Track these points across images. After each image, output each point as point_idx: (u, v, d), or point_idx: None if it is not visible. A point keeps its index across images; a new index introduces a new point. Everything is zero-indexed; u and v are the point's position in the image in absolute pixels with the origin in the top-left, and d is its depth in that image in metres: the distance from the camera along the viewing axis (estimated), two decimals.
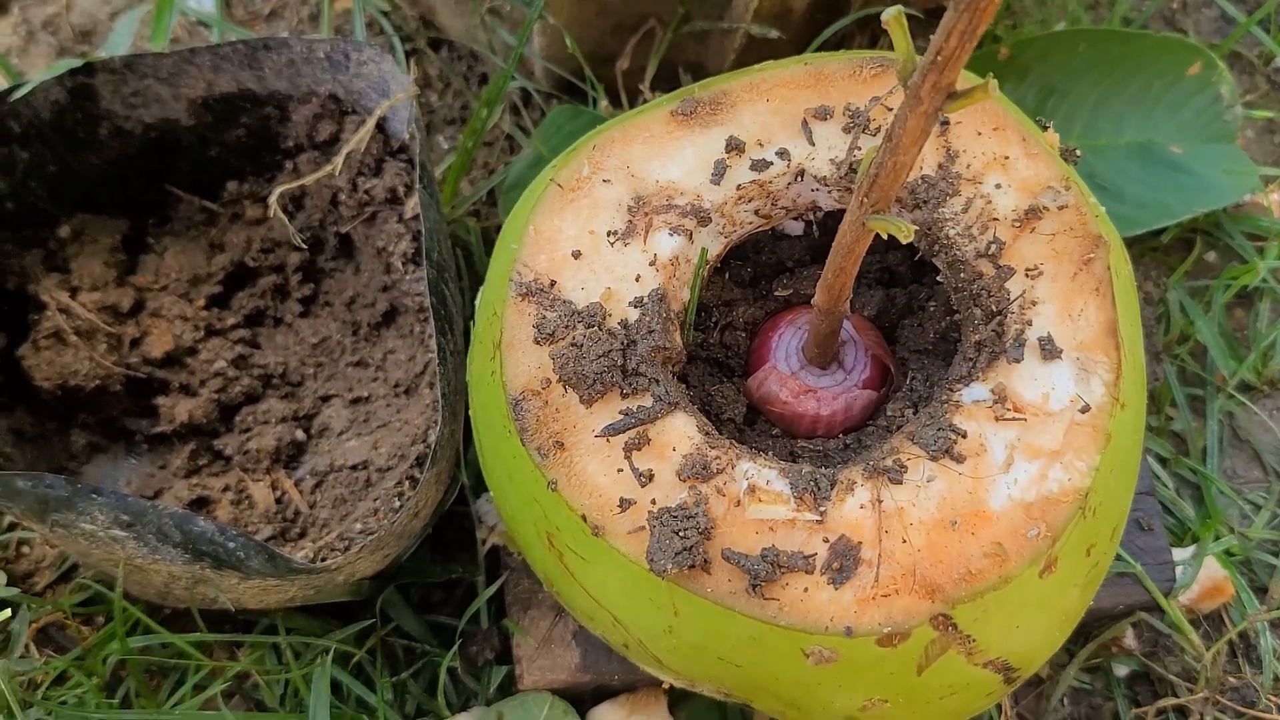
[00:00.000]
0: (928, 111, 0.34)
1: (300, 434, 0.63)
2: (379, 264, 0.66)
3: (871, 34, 0.76)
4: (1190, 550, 0.66)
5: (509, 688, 0.61)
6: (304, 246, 0.66)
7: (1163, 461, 0.70)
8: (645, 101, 0.67)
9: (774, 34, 0.67)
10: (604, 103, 0.73)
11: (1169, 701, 0.63)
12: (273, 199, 0.60)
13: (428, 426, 0.60)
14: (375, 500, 0.58)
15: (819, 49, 0.71)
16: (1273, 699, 0.64)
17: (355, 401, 0.65)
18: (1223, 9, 0.84)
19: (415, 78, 0.61)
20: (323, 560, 0.55)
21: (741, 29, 0.67)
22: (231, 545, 0.48)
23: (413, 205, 0.63)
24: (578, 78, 0.74)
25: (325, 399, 0.65)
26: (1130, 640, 0.66)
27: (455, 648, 0.60)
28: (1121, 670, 0.66)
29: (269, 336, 0.67)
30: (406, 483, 0.58)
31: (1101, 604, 0.61)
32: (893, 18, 0.33)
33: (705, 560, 0.42)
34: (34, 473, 0.47)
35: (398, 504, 0.57)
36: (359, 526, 0.57)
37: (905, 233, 0.37)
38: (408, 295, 0.65)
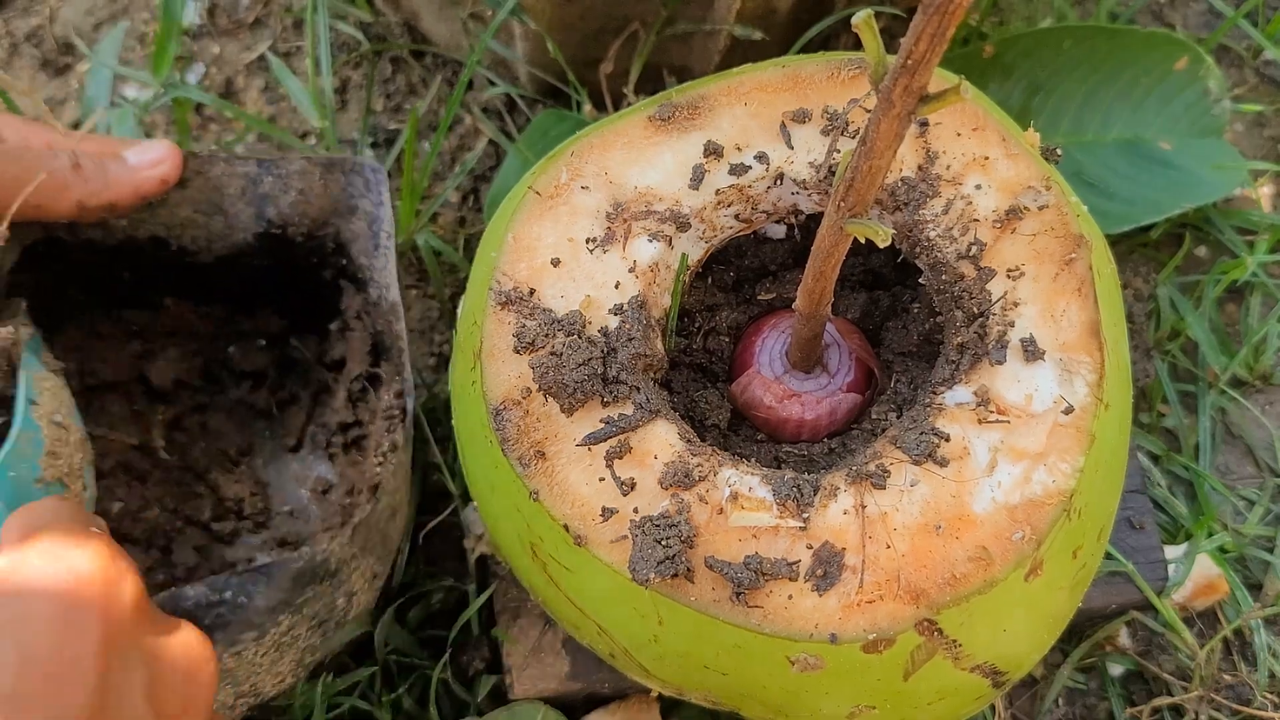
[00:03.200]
0: (900, 115, 0.34)
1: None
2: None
3: (857, 34, 0.75)
4: (1183, 548, 0.65)
5: (500, 697, 0.60)
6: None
7: (1155, 459, 0.70)
8: (629, 105, 0.67)
9: (758, 35, 0.67)
10: (588, 107, 0.73)
11: (1164, 700, 0.63)
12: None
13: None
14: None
15: (803, 49, 0.71)
16: (1268, 696, 0.64)
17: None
18: (1210, 3, 0.83)
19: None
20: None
21: (725, 30, 0.67)
22: (229, 595, 0.46)
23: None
24: (562, 82, 0.74)
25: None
26: (1124, 639, 0.65)
27: (445, 658, 0.60)
28: (1116, 669, 0.65)
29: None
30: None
31: (1094, 603, 0.61)
32: (862, 21, 0.32)
33: (688, 569, 0.41)
34: None
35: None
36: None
37: (882, 237, 0.37)
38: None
